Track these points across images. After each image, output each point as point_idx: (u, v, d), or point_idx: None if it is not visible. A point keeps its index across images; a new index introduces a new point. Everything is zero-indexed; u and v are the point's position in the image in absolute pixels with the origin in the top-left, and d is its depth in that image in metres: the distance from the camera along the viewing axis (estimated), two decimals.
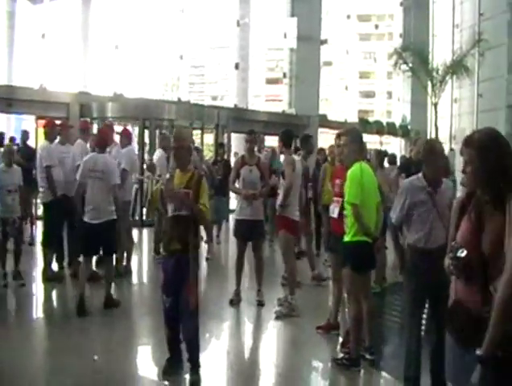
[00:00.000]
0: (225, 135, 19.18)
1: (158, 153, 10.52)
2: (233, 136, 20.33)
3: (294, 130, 9.23)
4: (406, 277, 5.07)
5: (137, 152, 13.25)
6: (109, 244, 7.53)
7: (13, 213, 8.36)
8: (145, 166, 10.74)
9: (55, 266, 8.93)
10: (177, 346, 5.37)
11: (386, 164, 10.55)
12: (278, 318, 7.30)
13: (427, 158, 4.97)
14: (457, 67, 24.31)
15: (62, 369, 5.56)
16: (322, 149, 11.97)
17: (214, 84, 45.29)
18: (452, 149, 20.85)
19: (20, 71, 20.68)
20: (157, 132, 16.23)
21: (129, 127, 15.52)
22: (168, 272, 5.28)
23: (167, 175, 5.48)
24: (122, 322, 7.16)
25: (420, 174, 4.88)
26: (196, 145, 13.88)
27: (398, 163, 12.13)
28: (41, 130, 13.43)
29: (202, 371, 5.21)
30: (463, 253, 2.95)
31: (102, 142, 7.90)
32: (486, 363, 2.78)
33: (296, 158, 8.02)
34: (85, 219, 7.44)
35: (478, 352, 2.80)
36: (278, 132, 7.93)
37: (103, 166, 7.51)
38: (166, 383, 5.34)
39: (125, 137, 9.83)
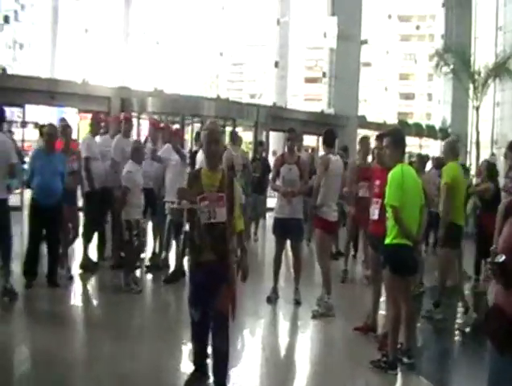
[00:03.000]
0: (264, 133, 19.21)
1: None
2: (271, 134, 20.34)
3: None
4: None
5: None
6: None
7: (140, 215, 8.12)
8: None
9: (94, 257, 9.07)
10: (204, 360, 4.98)
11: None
12: (314, 317, 7.29)
13: None
14: (500, 70, 23.88)
15: (100, 357, 5.65)
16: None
17: (253, 81, 45.29)
18: (493, 154, 20.52)
19: (63, 65, 21.00)
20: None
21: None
22: (197, 284, 4.78)
23: (185, 181, 5.03)
24: (165, 313, 7.24)
25: None
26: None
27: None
28: (82, 123, 13.61)
29: (238, 367, 5.18)
30: (502, 258, 2.93)
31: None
32: None
33: (333, 157, 7.65)
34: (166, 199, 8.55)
35: None
36: (317, 131, 7.82)
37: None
38: None
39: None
